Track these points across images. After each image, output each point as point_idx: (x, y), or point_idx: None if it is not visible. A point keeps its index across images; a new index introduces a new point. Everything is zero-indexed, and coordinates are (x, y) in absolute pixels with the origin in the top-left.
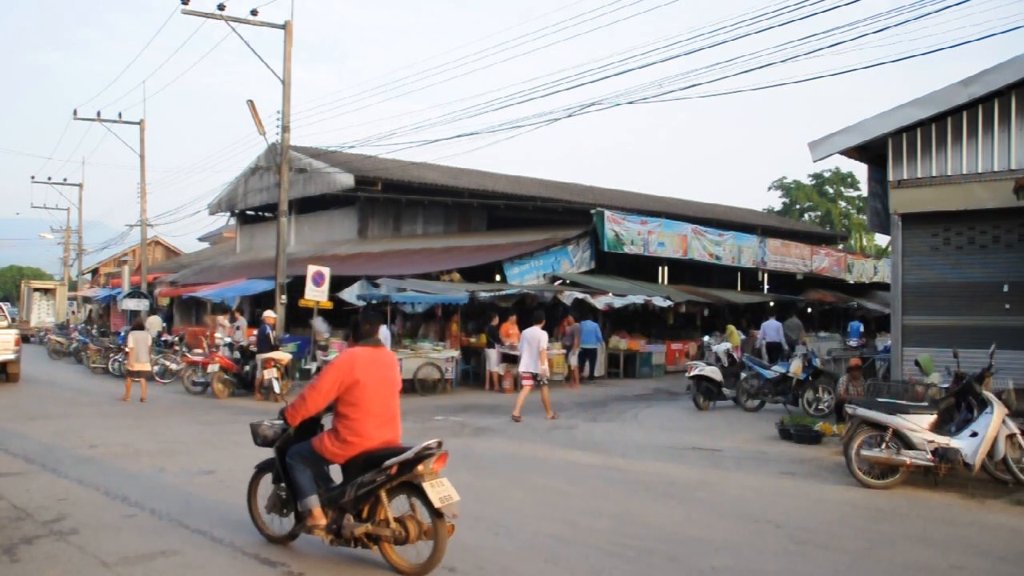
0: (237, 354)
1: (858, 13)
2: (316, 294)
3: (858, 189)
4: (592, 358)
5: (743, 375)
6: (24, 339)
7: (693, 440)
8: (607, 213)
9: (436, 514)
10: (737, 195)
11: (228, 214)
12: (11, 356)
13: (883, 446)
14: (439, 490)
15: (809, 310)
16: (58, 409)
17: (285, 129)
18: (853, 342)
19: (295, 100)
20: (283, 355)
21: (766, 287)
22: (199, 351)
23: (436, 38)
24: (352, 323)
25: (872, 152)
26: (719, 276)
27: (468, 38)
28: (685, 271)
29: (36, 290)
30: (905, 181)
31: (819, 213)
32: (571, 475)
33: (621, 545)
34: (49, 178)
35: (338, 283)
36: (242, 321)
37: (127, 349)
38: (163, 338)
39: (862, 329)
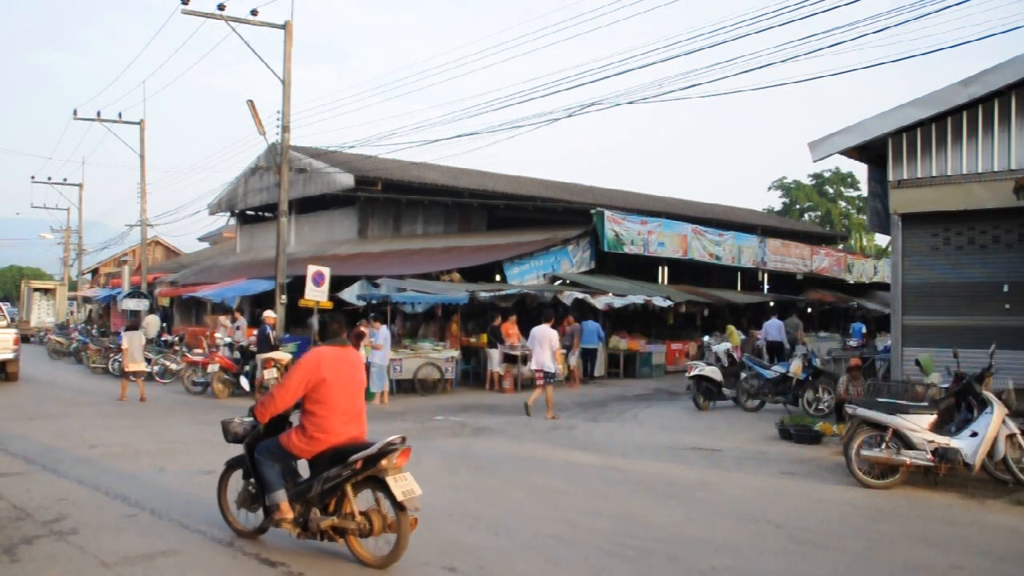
0: (237, 354)
1: (858, 13)
2: (316, 294)
3: (858, 189)
4: (593, 358)
5: (743, 375)
6: (24, 339)
7: (693, 440)
8: (607, 213)
9: (399, 507)
10: (737, 195)
11: (228, 214)
12: (10, 355)
13: (883, 446)
14: (402, 484)
15: (809, 310)
16: (58, 409)
17: (285, 129)
18: (853, 342)
19: (295, 100)
20: (283, 355)
21: (766, 287)
22: (199, 351)
23: (436, 38)
24: (320, 323)
25: (872, 152)
26: (719, 276)
27: (468, 38)
28: (685, 271)
29: (36, 290)
30: (905, 181)
31: (819, 213)
32: (571, 475)
33: (621, 545)
34: (49, 178)
35: (338, 283)
36: (242, 321)
37: (123, 349)
38: (163, 338)
39: (864, 330)
